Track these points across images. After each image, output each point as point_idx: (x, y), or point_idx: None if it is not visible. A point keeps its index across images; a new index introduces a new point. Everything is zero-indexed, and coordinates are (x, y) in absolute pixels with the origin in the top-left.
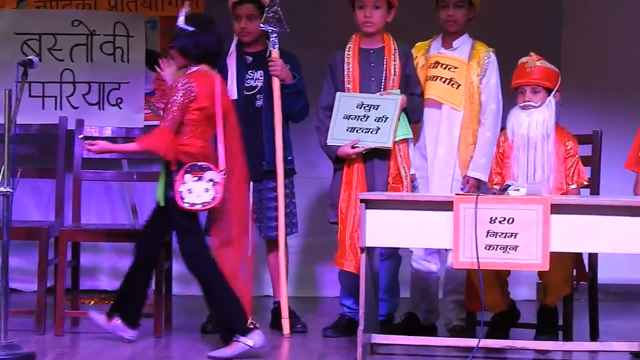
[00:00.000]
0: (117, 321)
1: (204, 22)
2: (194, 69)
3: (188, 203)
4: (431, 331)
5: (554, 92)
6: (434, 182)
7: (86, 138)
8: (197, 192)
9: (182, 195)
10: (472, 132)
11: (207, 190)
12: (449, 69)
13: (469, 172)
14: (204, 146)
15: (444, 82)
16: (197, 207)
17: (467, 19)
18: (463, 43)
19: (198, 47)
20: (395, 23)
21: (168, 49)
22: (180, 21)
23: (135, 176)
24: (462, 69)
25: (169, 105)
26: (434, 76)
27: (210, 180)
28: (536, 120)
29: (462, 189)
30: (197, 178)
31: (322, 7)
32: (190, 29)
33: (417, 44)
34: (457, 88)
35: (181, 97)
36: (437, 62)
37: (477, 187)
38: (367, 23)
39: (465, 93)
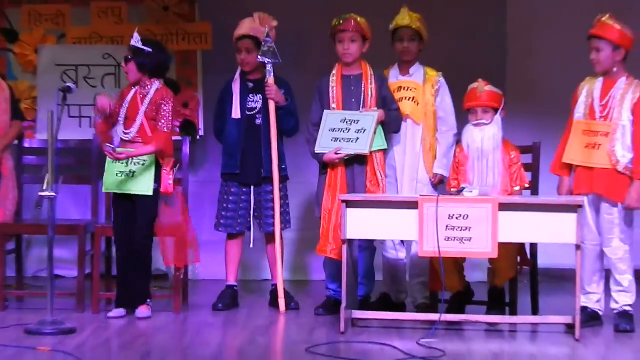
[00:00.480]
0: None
1: (158, 44)
2: (157, 82)
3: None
4: (401, 308)
5: (499, 111)
6: (404, 185)
7: (113, 150)
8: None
9: (169, 184)
10: (430, 142)
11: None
12: (410, 90)
13: (435, 169)
14: None
15: (408, 100)
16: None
17: (418, 50)
18: (417, 70)
19: (155, 65)
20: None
21: (125, 63)
22: (137, 41)
23: None
24: (419, 90)
25: (164, 113)
26: (400, 97)
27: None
28: (488, 135)
29: (431, 182)
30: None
31: (308, 41)
32: (148, 49)
33: None
34: (417, 105)
35: (172, 105)
36: (400, 87)
37: (441, 181)
38: (345, 55)
39: (422, 110)
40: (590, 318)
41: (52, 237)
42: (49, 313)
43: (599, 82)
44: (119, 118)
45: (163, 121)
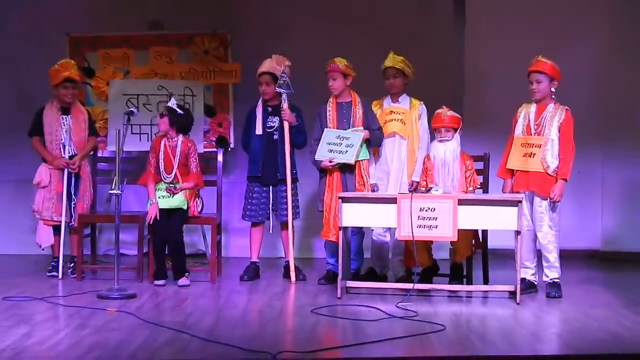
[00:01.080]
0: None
1: (187, 110)
2: (180, 136)
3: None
4: (383, 279)
5: (458, 130)
6: (390, 186)
7: (174, 187)
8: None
9: (197, 204)
10: (412, 153)
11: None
12: (399, 113)
13: (413, 177)
14: None
15: (397, 121)
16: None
17: (404, 84)
18: (404, 99)
19: (182, 124)
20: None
21: (160, 117)
22: (173, 104)
23: None
24: (406, 114)
25: (193, 159)
26: (392, 119)
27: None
28: (449, 148)
29: (409, 188)
30: None
31: (314, 77)
32: (180, 111)
33: (374, 102)
34: (404, 125)
35: (196, 152)
36: (391, 111)
37: (415, 187)
38: (331, 89)
39: (408, 129)
40: (528, 287)
41: (118, 224)
42: (115, 282)
43: (533, 107)
44: (159, 168)
45: (193, 166)
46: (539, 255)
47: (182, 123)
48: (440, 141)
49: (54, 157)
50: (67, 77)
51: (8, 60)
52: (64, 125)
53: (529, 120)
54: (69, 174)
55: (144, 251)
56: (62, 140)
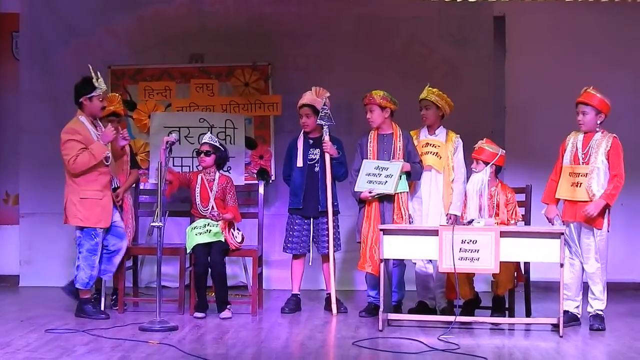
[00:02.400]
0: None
1: (224, 145)
2: (217, 172)
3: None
4: (434, 312)
5: (490, 165)
6: (430, 218)
7: (219, 215)
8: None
9: (234, 236)
10: (448, 187)
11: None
12: (435, 146)
13: (450, 210)
14: None
15: (433, 155)
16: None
17: (437, 116)
18: (441, 132)
19: (224, 159)
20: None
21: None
22: (215, 140)
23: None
24: (442, 147)
25: (232, 194)
26: (427, 152)
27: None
28: (474, 180)
29: (447, 221)
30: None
31: (355, 110)
32: (223, 148)
33: (411, 132)
34: (440, 159)
35: (234, 187)
36: (427, 143)
37: (455, 220)
38: (369, 121)
39: (443, 162)
40: (571, 319)
41: (160, 256)
42: (157, 315)
43: (581, 136)
44: (195, 201)
45: (232, 200)
46: (584, 287)
47: (223, 158)
48: (471, 172)
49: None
50: (113, 111)
51: (54, 95)
52: (109, 159)
53: (577, 149)
54: (113, 206)
55: (186, 283)
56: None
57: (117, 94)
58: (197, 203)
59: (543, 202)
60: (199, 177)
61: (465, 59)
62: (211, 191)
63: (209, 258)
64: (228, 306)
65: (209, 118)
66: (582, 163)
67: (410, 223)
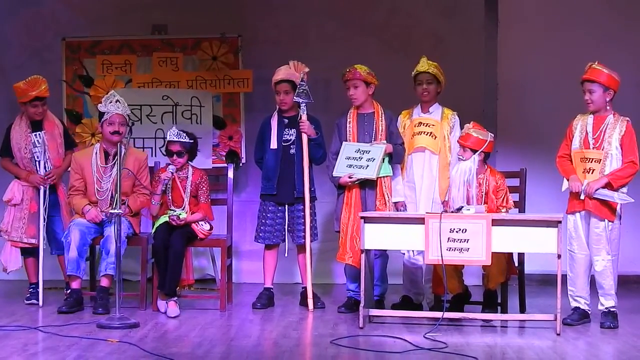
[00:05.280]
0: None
1: (190, 133)
2: (190, 167)
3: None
4: (419, 308)
5: (478, 152)
6: (421, 204)
7: (178, 217)
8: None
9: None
10: (445, 170)
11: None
12: (429, 126)
13: (446, 196)
14: None
15: (427, 134)
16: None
17: (436, 92)
18: (436, 109)
19: (194, 151)
20: (385, 95)
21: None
22: (181, 136)
23: None
24: (437, 126)
25: (205, 190)
26: (420, 132)
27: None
28: (462, 169)
29: (443, 208)
30: None
31: (333, 86)
32: (190, 140)
33: (403, 111)
34: (434, 139)
35: (207, 182)
36: (420, 122)
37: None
38: (352, 98)
39: (439, 143)
40: (582, 317)
41: (119, 247)
42: (116, 310)
43: (590, 119)
44: (169, 200)
45: (204, 197)
46: (592, 282)
47: (195, 150)
48: (458, 159)
49: (28, 173)
50: (36, 96)
51: (2, 69)
52: (39, 142)
53: (587, 133)
54: (45, 192)
55: (148, 276)
56: (37, 158)
57: (40, 76)
58: (169, 203)
59: (566, 177)
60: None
61: (454, 31)
62: (185, 191)
63: (170, 237)
64: (174, 298)
65: (173, 95)
66: (593, 147)
67: (402, 210)
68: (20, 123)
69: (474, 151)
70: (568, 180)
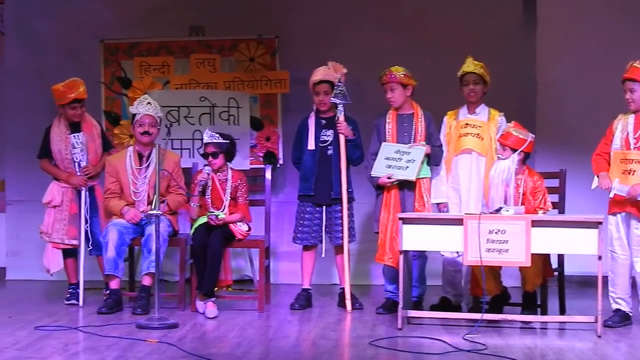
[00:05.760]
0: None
1: (226, 135)
2: (229, 168)
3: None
4: (458, 309)
5: (518, 152)
6: (471, 207)
7: (217, 217)
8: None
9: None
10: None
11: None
12: (476, 127)
13: None
14: None
15: (473, 136)
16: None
17: (483, 93)
18: (482, 110)
19: (232, 152)
20: (420, 95)
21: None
22: (215, 137)
23: None
24: (484, 127)
25: (243, 192)
26: (467, 133)
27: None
28: (500, 168)
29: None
30: None
31: (367, 87)
32: (226, 141)
33: (448, 112)
34: (482, 140)
35: (246, 184)
36: (467, 124)
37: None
38: (390, 101)
39: (486, 144)
40: (623, 319)
41: (158, 248)
42: (155, 311)
43: (631, 118)
44: (208, 202)
45: (242, 198)
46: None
47: (232, 151)
48: (498, 158)
49: (69, 174)
50: (75, 98)
51: (41, 71)
52: (78, 143)
53: (628, 133)
54: (86, 193)
55: (186, 277)
56: (76, 159)
57: (79, 79)
58: (209, 206)
59: (595, 174)
60: (208, 176)
61: (490, 30)
62: (224, 193)
63: (209, 238)
64: (213, 299)
65: (211, 96)
66: (634, 148)
67: (444, 211)
68: (59, 125)
69: (514, 150)
70: (597, 177)
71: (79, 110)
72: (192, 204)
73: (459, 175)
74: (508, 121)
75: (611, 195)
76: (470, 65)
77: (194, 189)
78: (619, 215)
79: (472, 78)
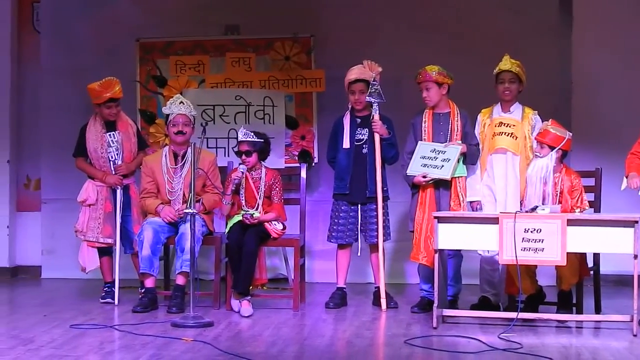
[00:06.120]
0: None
1: (260, 133)
2: (263, 167)
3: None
4: (497, 308)
5: (556, 150)
6: (508, 206)
7: (251, 216)
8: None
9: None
10: (526, 170)
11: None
12: (510, 126)
13: None
14: None
15: (507, 135)
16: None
17: (518, 92)
18: (516, 108)
19: (266, 150)
20: (455, 93)
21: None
22: (249, 135)
23: None
24: (518, 126)
25: (278, 190)
26: (501, 132)
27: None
28: (538, 166)
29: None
30: None
31: (403, 86)
32: (260, 140)
33: (482, 110)
34: (515, 139)
35: (281, 183)
36: (501, 122)
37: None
38: (425, 100)
39: (520, 143)
40: None
41: (193, 246)
42: (190, 309)
43: None
44: (242, 201)
45: (277, 197)
46: None
47: (265, 150)
48: (535, 156)
49: (104, 173)
50: (111, 97)
51: (77, 71)
52: (113, 142)
53: None
54: (121, 193)
55: (221, 276)
56: (111, 158)
57: (114, 78)
58: (243, 204)
59: (626, 174)
60: (243, 175)
61: (525, 29)
62: (258, 191)
63: (244, 237)
64: (248, 297)
65: (246, 95)
66: None
67: (478, 210)
68: (95, 124)
69: (552, 148)
70: (626, 178)
71: (114, 109)
72: (224, 202)
73: (494, 174)
74: (543, 120)
75: None
76: (507, 64)
77: (228, 187)
78: None
79: (507, 76)
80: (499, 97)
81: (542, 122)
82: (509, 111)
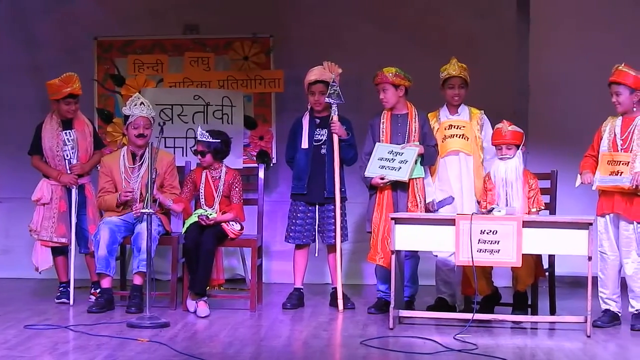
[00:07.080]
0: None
1: (220, 132)
2: (223, 166)
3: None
4: (454, 309)
5: (520, 147)
6: (465, 206)
7: (207, 217)
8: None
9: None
10: (479, 170)
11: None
12: (460, 128)
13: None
14: None
15: (458, 137)
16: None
17: (465, 95)
18: (463, 110)
19: (225, 151)
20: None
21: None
22: (205, 136)
23: None
24: (467, 127)
25: (238, 190)
26: (452, 134)
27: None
28: (510, 167)
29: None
30: None
31: (365, 87)
32: (217, 140)
33: (429, 114)
34: (467, 140)
35: (241, 183)
36: (450, 125)
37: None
38: (382, 102)
39: (471, 143)
40: (612, 319)
41: (149, 246)
42: (146, 310)
43: (619, 121)
44: (200, 200)
45: (236, 197)
46: (622, 284)
47: (222, 150)
48: (501, 159)
49: (59, 172)
50: (70, 93)
51: (34, 68)
52: (69, 141)
53: (615, 135)
54: (76, 192)
55: (178, 276)
56: (67, 156)
57: (75, 74)
58: (202, 203)
59: (580, 172)
60: (203, 175)
61: (486, 31)
62: (217, 191)
63: (201, 237)
64: (204, 298)
65: (205, 95)
66: (621, 150)
67: (433, 211)
68: (51, 122)
69: (517, 146)
70: (581, 174)
71: (73, 105)
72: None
73: (448, 177)
74: (499, 121)
75: (594, 187)
76: (456, 69)
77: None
78: (607, 217)
79: (457, 82)
80: (446, 101)
81: (493, 122)
82: (457, 113)
